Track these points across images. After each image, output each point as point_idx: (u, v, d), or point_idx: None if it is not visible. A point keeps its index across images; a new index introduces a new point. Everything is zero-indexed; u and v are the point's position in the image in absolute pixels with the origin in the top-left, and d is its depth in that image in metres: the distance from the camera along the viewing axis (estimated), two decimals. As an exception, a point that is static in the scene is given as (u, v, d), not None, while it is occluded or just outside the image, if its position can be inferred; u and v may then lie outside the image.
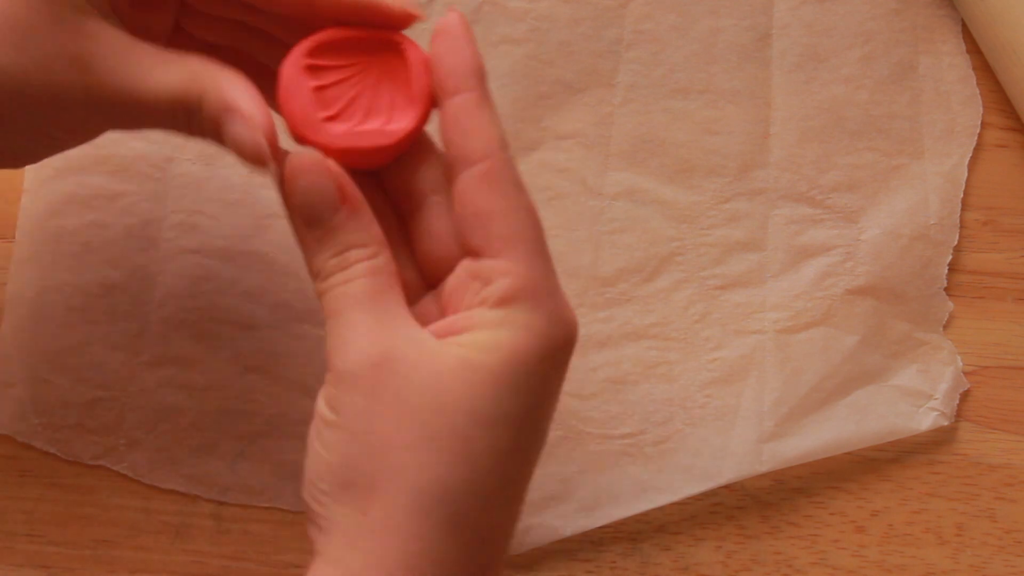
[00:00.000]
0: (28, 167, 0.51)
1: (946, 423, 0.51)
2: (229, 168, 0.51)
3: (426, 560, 0.37)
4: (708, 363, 0.51)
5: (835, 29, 0.55)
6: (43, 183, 0.51)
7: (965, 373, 0.51)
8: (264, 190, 0.51)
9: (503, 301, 0.38)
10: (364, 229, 0.40)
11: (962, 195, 0.54)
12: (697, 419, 0.50)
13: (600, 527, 0.49)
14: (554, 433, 0.49)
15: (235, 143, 0.40)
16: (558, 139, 0.53)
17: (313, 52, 0.42)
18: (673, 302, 0.52)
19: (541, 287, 0.39)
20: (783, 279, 0.52)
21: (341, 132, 0.41)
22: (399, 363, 0.38)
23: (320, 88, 0.41)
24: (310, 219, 0.40)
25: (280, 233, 0.51)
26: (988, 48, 0.55)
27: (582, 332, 0.50)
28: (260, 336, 0.50)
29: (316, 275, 0.40)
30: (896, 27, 0.55)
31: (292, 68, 0.41)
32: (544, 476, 0.48)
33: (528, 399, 0.38)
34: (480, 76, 0.40)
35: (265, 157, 0.39)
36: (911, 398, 0.51)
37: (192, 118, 0.41)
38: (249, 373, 0.49)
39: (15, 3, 0.40)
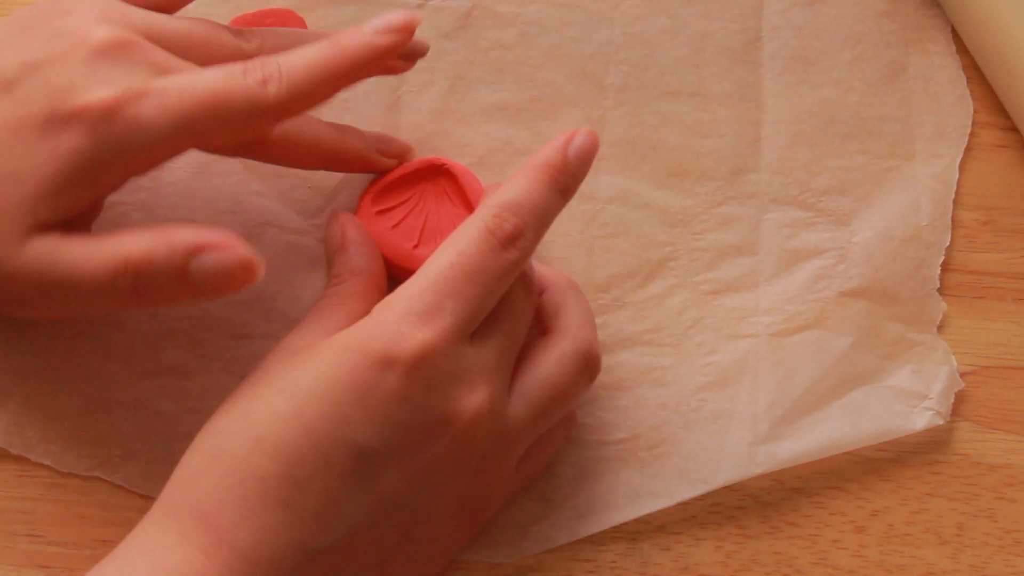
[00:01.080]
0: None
1: (941, 422, 0.50)
2: (220, 177, 0.51)
3: (183, 483, 0.43)
4: (702, 368, 0.51)
5: (825, 31, 0.55)
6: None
7: (965, 373, 0.51)
8: (256, 198, 0.51)
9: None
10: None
11: (954, 196, 0.54)
12: (691, 423, 0.50)
13: (600, 527, 0.49)
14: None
15: (216, 269, 0.42)
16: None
17: (375, 200, 0.51)
18: (666, 307, 0.52)
19: (401, 301, 0.43)
20: (776, 283, 0.52)
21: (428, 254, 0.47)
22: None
23: (395, 226, 0.50)
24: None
25: (272, 242, 0.51)
26: (976, 53, 0.55)
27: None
28: (254, 345, 0.50)
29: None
30: (886, 29, 0.55)
31: (368, 219, 0.50)
32: (539, 483, 0.48)
33: (317, 382, 0.41)
34: None
35: (256, 263, 0.42)
36: (906, 398, 0.51)
37: (138, 283, 0.42)
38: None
39: None
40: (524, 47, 0.54)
